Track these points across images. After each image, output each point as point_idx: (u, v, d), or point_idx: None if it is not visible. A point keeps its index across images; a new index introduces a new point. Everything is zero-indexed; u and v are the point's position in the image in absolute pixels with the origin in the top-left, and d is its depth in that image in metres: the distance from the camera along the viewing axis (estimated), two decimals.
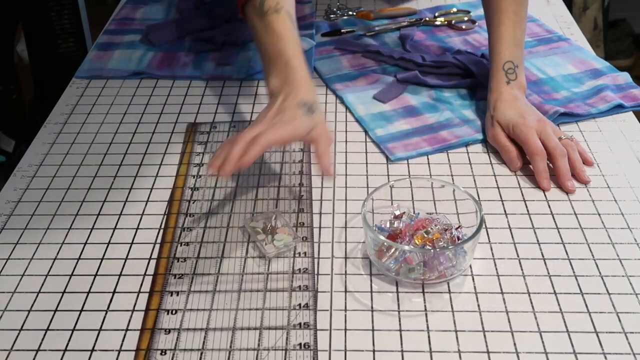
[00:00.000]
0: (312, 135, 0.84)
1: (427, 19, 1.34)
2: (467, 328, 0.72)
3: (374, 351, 0.70)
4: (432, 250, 0.76)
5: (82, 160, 0.99)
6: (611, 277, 0.78)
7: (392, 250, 0.77)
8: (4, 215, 0.89)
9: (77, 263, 0.81)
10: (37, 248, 0.83)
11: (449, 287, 0.77)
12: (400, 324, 0.73)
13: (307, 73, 0.89)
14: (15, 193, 0.92)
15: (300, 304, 0.75)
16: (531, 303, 0.75)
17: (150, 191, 0.92)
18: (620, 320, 0.72)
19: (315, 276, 0.78)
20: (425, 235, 0.78)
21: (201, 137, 1.03)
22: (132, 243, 0.84)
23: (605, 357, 0.69)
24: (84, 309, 0.75)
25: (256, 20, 0.94)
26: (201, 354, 0.70)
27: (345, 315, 0.74)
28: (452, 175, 0.94)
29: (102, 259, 0.81)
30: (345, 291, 0.77)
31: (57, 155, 1.00)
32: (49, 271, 0.80)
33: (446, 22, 1.33)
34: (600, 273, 0.78)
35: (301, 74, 0.89)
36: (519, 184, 0.92)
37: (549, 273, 0.78)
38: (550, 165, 0.93)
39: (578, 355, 0.69)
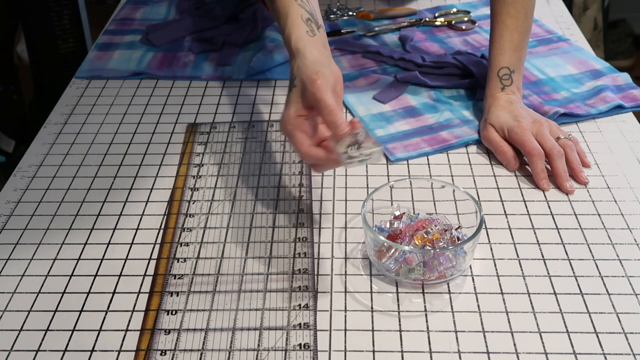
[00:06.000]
0: (306, 100, 0.80)
1: (427, 19, 1.34)
2: (467, 328, 0.72)
3: (373, 351, 0.70)
4: (432, 251, 0.76)
5: (82, 160, 0.99)
6: (611, 277, 0.78)
7: (392, 250, 0.77)
8: (4, 215, 0.89)
9: (77, 263, 0.81)
10: (37, 248, 0.83)
11: (448, 287, 0.77)
12: (400, 325, 0.73)
13: (295, 48, 0.84)
14: (15, 193, 0.92)
15: (300, 305, 0.75)
16: (531, 303, 0.75)
17: (150, 191, 0.92)
18: (620, 321, 0.73)
19: (315, 277, 0.79)
20: (425, 236, 0.78)
21: (201, 137, 1.03)
22: (132, 243, 0.84)
23: (605, 358, 0.69)
24: (84, 309, 0.75)
25: (270, 6, 0.92)
26: (201, 354, 0.70)
27: (345, 316, 0.74)
28: (452, 176, 0.94)
29: (102, 260, 0.81)
30: (345, 292, 0.77)
31: (57, 155, 1.00)
32: (49, 271, 0.80)
33: (446, 23, 1.33)
34: (600, 273, 0.78)
35: (291, 57, 0.84)
36: (518, 185, 0.92)
37: (549, 273, 0.78)
38: (548, 166, 0.93)
39: (578, 355, 0.69)
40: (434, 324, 0.73)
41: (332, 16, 1.36)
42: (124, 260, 0.81)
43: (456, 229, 0.80)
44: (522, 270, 0.79)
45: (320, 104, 0.77)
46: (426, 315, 0.74)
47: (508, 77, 1.00)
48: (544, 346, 0.70)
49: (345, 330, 0.72)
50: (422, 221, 0.80)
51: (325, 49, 0.86)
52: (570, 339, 0.71)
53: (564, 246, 0.82)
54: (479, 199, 0.90)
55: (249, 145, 1.01)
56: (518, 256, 0.81)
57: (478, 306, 0.75)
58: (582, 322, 0.72)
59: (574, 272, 0.79)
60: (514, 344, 0.70)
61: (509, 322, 0.73)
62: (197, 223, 0.87)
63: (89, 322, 0.74)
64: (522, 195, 0.90)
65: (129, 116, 1.08)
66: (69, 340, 0.72)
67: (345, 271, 0.79)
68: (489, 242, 0.83)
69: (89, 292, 0.77)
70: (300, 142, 0.79)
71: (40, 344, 0.71)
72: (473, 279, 0.78)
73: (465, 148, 0.99)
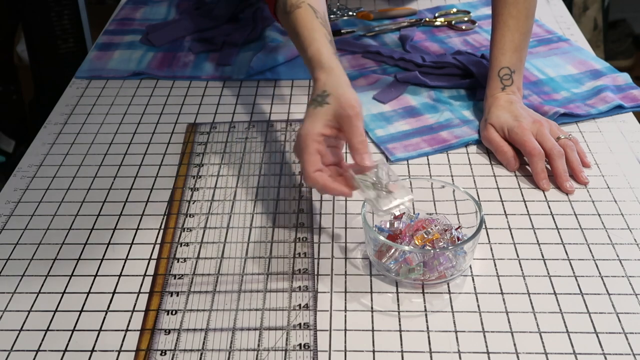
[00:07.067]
0: (337, 121, 0.79)
1: (427, 19, 1.34)
2: (467, 328, 0.72)
3: (373, 351, 0.70)
4: (432, 251, 0.76)
5: (82, 160, 0.99)
6: (611, 277, 0.78)
7: (392, 250, 0.77)
8: (4, 215, 0.89)
9: (77, 263, 0.81)
10: (37, 248, 0.83)
11: (448, 287, 0.77)
12: (400, 325, 0.73)
13: (327, 65, 0.84)
14: (15, 193, 0.92)
15: (300, 305, 0.75)
16: (531, 303, 0.75)
17: (150, 191, 0.92)
18: (620, 321, 0.73)
19: (315, 277, 0.79)
20: (425, 236, 0.78)
21: (201, 137, 1.03)
22: (132, 243, 0.84)
23: (605, 358, 0.69)
24: (84, 309, 0.75)
25: (284, 21, 0.94)
26: (201, 354, 0.70)
27: (345, 316, 0.74)
28: (452, 176, 0.94)
29: (102, 260, 0.81)
30: (345, 292, 0.77)
31: (57, 155, 1.00)
32: (49, 272, 0.80)
33: (446, 23, 1.33)
34: (600, 273, 0.78)
35: (320, 70, 0.84)
36: (518, 185, 0.92)
37: (549, 273, 0.78)
38: (549, 166, 0.93)
39: (578, 355, 0.69)
40: (434, 324, 0.73)
41: (332, 16, 1.36)
42: (124, 260, 0.81)
43: (456, 229, 0.80)
44: (522, 270, 0.79)
45: (355, 131, 0.78)
46: (426, 315, 0.74)
47: (508, 77, 1.00)
48: (544, 346, 0.70)
49: (345, 330, 0.72)
50: (422, 221, 0.80)
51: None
52: (570, 339, 0.71)
53: (564, 246, 0.82)
54: (479, 199, 0.90)
55: (249, 145, 1.01)
56: (518, 256, 0.81)
57: (478, 306, 0.75)
58: (582, 322, 0.72)
59: (574, 272, 0.79)
60: (514, 344, 0.70)
61: (509, 322, 0.73)
62: (197, 223, 0.87)
63: (89, 322, 0.74)
64: (522, 195, 0.90)
65: (129, 116, 1.08)
66: (69, 340, 0.72)
67: (345, 271, 0.79)
68: (489, 242, 0.83)
69: (89, 292, 0.77)
70: (311, 164, 0.78)
71: (40, 344, 0.71)
72: (473, 279, 0.78)
73: (465, 148, 0.99)
